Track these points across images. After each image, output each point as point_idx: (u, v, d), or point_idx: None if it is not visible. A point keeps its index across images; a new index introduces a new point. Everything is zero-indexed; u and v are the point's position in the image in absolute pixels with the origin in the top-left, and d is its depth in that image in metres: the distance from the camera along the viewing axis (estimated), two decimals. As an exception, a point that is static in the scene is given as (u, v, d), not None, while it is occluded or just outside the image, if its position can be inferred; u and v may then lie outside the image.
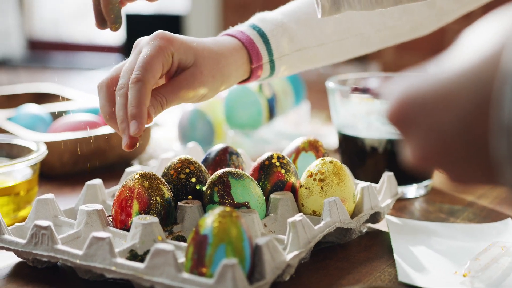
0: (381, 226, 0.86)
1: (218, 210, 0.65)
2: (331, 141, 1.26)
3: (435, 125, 0.43)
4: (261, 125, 1.21)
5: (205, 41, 0.82)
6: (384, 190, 0.87)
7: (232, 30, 0.88)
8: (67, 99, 1.35)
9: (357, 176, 0.97)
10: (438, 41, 2.16)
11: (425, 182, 0.99)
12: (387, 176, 0.87)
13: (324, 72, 1.92)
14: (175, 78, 0.78)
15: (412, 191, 0.98)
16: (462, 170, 0.44)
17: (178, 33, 0.80)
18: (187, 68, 0.79)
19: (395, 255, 0.75)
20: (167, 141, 1.22)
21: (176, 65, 0.78)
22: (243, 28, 0.87)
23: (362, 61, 2.05)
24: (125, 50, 4.19)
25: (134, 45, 0.79)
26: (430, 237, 0.82)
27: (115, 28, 0.80)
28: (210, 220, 0.64)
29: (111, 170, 1.11)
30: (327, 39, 0.90)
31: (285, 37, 0.87)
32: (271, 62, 0.87)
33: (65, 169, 1.08)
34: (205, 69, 0.79)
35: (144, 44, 0.78)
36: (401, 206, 0.94)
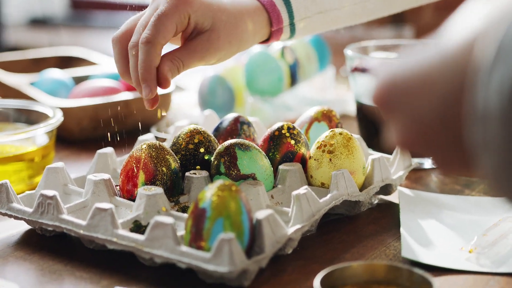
0: (393, 198, 0.85)
1: (217, 183, 0.64)
2: (354, 108, 1.24)
3: (416, 109, 0.43)
4: (282, 91, 1.19)
5: (225, 3, 0.80)
6: (397, 161, 0.85)
7: None
8: (92, 63, 1.35)
9: (373, 146, 0.96)
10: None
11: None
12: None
13: (354, 34, 1.89)
14: (192, 41, 0.78)
15: (429, 161, 0.96)
16: (442, 155, 0.44)
17: None
18: (204, 31, 0.78)
19: (401, 229, 0.74)
20: (188, 106, 1.22)
21: (192, 27, 0.77)
22: None
23: (396, 23, 2.01)
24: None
25: None
26: (442, 210, 0.80)
27: None
28: (209, 193, 0.64)
29: (130, 137, 1.11)
30: (349, 1, 0.87)
31: None
32: (292, 25, 0.85)
33: (84, 134, 1.08)
34: (222, 34, 0.78)
35: (161, 2, 0.76)
36: (417, 177, 0.93)
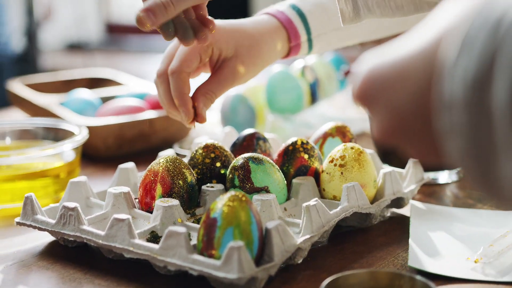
0: (405, 211, 0.87)
1: (228, 194, 0.67)
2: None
3: (392, 102, 0.46)
4: (302, 109, 1.22)
5: (245, 26, 0.86)
6: (409, 175, 0.87)
7: (272, 9, 0.90)
8: (119, 84, 1.40)
9: (389, 162, 0.98)
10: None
11: (458, 168, 0.99)
12: (413, 162, 0.88)
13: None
14: (219, 70, 0.84)
15: (444, 176, 0.98)
16: (417, 145, 0.46)
17: None
18: (229, 57, 0.84)
19: (410, 240, 0.76)
20: (210, 125, 1.25)
21: (217, 55, 0.84)
22: (283, 8, 0.90)
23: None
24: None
25: None
26: (452, 223, 0.82)
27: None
28: (220, 204, 0.67)
29: (154, 154, 1.15)
30: None
31: (324, 16, 0.89)
32: (309, 41, 0.90)
33: (109, 152, 1.12)
34: (246, 59, 0.84)
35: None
36: (431, 192, 0.94)
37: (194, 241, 0.70)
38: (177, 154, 0.98)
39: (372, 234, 0.81)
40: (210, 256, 0.66)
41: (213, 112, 1.34)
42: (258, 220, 0.67)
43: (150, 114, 1.15)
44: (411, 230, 0.79)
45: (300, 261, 0.72)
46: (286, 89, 1.19)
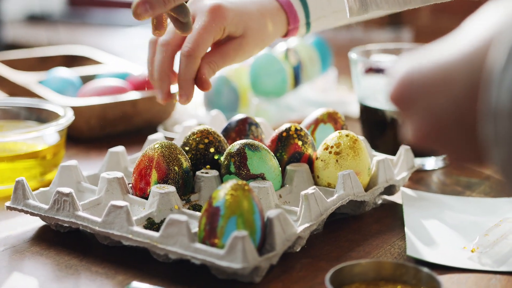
0: (396, 198, 0.88)
1: (230, 183, 0.67)
2: (356, 109, 1.27)
3: (432, 106, 0.46)
4: (286, 92, 1.22)
5: (251, 8, 0.86)
6: (400, 163, 0.88)
7: None
8: (98, 62, 1.37)
9: (376, 147, 0.98)
10: (474, 4, 2.13)
11: (443, 155, 1.00)
12: (404, 150, 0.89)
13: (354, 37, 1.91)
14: (224, 46, 0.85)
15: (431, 163, 0.99)
16: (457, 150, 0.46)
17: None
18: (235, 37, 0.85)
19: (405, 229, 0.76)
20: (192, 106, 1.24)
21: (225, 35, 0.85)
22: None
23: (395, 25, 2.03)
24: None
25: (190, 1, 0.84)
26: (443, 210, 0.83)
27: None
28: (223, 192, 0.66)
29: (137, 135, 1.14)
30: None
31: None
32: (307, 24, 0.91)
33: (92, 133, 1.11)
34: (251, 40, 0.86)
35: (199, 12, 0.83)
36: (418, 178, 0.95)
37: (191, 229, 0.70)
38: (165, 138, 0.96)
39: (366, 222, 0.81)
40: (213, 245, 0.66)
41: (197, 94, 1.33)
42: (261, 209, 0.67)
43: (133, 95, 1.13)
44: (406, 219, 0.79)
45: (298, 249, 0.72)
46: (271, 72, 1.19)
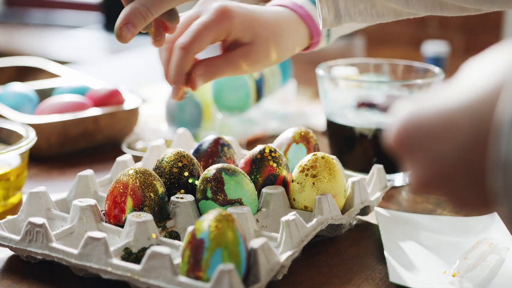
0: (370, 218, 0.87)
1: (214, 213, 0.65)
2: (318, 121, 1.26)
3: (435, 153, 0.45)
4: (249, 107, 1.20)
5: (264, 17, 0.82)
6: (373, 182, 0.88)
7: (288, 1, 0.87)
8: (53, 75, 1.33)
9: (344, 163, 0.98)
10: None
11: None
12: (377, 169, 0.88)
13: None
14: (231, 52, 0.81)
15: (399, 179, 0.99)
16: (461, 197, 0.46)
17: None
18: (244, 43, 0.81)
19: (385, 253, 0.76)
20: (154, 120, 1.22)
21: (232, 39, 0.81)
22: (300, 1, 0.87)
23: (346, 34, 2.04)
24: (105, 8, 4.13)
25: (200, 1, 0.81)
26: (419, 231, 0.83)
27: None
28: (207, 224, 0.65)
29: (98, 152, 1.11)
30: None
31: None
32: (328, 36, 0.89)
33: (51, 151, 1.07)
34: (261, 49, 0.81)
35: (205, 11, 0.79)
36: (388, 195, 0.95)
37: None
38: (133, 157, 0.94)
39: (343, 244, 0.81)
40: (197, 278, 0.64)
41: (156, 106, 1.31)
42: (245, 239, 0.66)
43: (95, 111, 1.10)
44: (384, 241, 0.79)
45: (280, 277, 0.71)
46: (234, 87, 1.17)
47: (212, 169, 0.77)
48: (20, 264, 0.75)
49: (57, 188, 0.93)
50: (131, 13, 0.72)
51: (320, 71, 1.01)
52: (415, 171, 0.47)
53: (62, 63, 1.65)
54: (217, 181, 0.76)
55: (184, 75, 0.78)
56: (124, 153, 1.08)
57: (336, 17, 0.79)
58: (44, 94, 1.22)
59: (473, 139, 0.42)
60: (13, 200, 0.92)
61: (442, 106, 0.44)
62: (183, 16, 0.81)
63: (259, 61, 0.82)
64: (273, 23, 0.83)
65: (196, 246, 0.64)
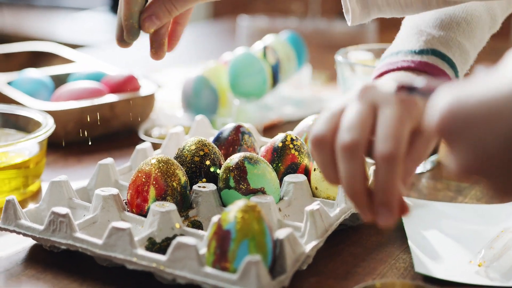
0: (391, 206, 0.87)
1: (240, 204, 0.65)
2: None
3: (480, 140, 0.45)
4: (266, 93, 1.20)
5: None
6: (394, 170, 0.87)
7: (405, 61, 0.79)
8: (68, 61, 1.33)
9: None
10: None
11: (432, 157, 1.00)
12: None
13: (318, 27, 1.90)
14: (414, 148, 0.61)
15: (420, 166, 0.98)
16: (503, 186, 0.46)
17: None
18: None
19: (409, 243, 0.76)
20: (170, 106, 1.21)
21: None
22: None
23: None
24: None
25: (361, 91, 0.59)
26: (441, 219, 0.83)
27: (129, 39, 0.76)
28: (233, 215, 0.64)
29: (115, 139, 1.11)
30: None
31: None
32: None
33: (68, 138, 1.07)
34: None
35: (383, 101, 0.58)
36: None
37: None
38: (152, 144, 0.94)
39: (365, 233, 0.80)
40: (224, 269, 0.64)
41: (171, 92, 1.30)
42: (271, 230, 0.65)
43: (111, 98, 1.10)
44: (407, 231, 0.78)
45: (305, 267, 0.70)
46: (251, 73, 1.16)
47: (234, 158, 0.77)
48: (43, 254, 0.75)
49: (75, 176, 0.92)
50: (156, 5, 0.72)
51: (339, 57, 1.01)
52: (459, 157, 0.47)
53: (72, 46, 1.64)
54: (240, 170, 0.76)
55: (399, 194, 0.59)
56: (140, 140, 1.08)
57: (364, 10, 0.77)
58: (59, 80, 1.21)
59: None
60: (33, 188, 0.91)
61: (486, 94, 0.44)
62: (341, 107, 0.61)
63: None
64: None
65: (222, 237, 0.64)
